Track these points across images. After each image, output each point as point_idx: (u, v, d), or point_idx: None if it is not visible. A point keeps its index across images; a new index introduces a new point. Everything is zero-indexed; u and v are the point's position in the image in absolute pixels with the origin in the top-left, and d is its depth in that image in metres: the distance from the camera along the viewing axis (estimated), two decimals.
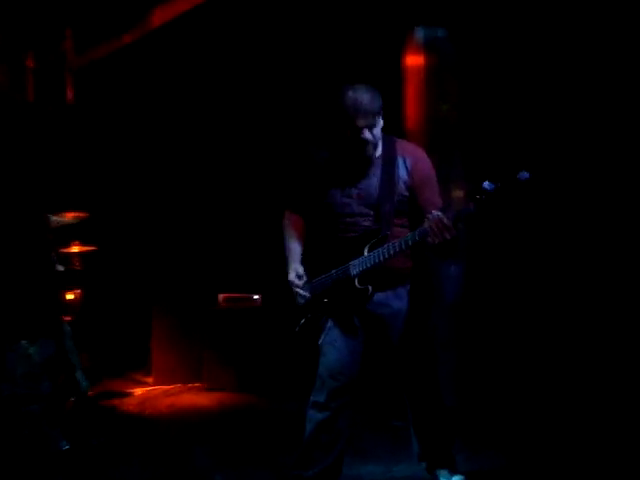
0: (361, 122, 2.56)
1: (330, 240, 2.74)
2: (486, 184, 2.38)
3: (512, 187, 2.39)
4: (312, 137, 2.94)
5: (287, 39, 4.49)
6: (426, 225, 2.48)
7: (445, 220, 2.43)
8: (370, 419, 3.74)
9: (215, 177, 5.04)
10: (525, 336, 3.74)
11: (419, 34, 3.94)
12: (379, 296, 2.68)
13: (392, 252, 2.58)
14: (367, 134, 2.60)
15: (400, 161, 2.68)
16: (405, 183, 2.68)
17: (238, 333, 4.83)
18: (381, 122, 2.64)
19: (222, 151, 5.01)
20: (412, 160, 2.69)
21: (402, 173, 2.68)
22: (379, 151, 2.67)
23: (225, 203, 5.03)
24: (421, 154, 2.75)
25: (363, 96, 2.58)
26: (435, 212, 2.45)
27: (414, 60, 3.99)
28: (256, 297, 4.94)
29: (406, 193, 2.70)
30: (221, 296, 4.98)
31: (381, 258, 2.59)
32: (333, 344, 2.70)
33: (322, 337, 2.69)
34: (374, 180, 2.67)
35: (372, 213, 2.66)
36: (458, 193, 3.84)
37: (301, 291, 2.72)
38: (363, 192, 2.67)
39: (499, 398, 3.74)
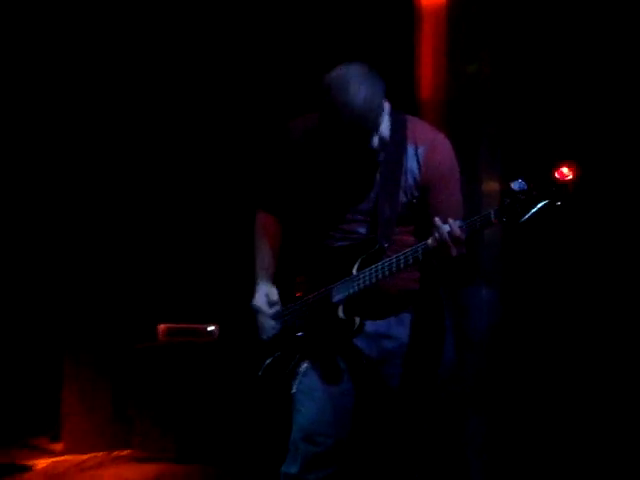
0: (359, 136, 2.23)
1: (311, 251, 2.48)
2: (515, 184, 2.13)
3: (549, 191, 2.11)
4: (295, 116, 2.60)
5: None
6: (430, 240, 2.21)
7: (455, 231, 2.16)
8: None
9: (153, 167, 4.42)
10: (582, 384, 3.33)
11: None
12: (375, 326, 2.42)
13: (387, 272, 2.30)
14: (374, 142, 2.25)
15: (410, 149, 2.36)
16: (415, 179, 2.36)
17: (182, 379, 4.20)
18: (387, 108, 2.26)
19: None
20: (427, 149, 2.36)
21: (412, 165, 2.36)
22: (385, 131, 2.29)
23: (167, 201, 4.40)
24: (440, 141, 2.41)
25: (358, 101, 2.18)
26: (438, 221, 2.18)
27: (430, 2, 3.46)
28: (211, 328, 4.24)
29: (416, 193, 2.38)
30: (161, 327, 4.25)
31: (372, 280, 2.32)
32: (310, 394, 2.46)
33: (295, 384, 2.47)
34: (374, 174, 2.37)
35: (368, 218, 2.40)
36: (487, 189, 3.41)
37: (268, 321, 2.45)
38: (358, 189, 2.39)
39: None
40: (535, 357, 3.51)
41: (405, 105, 2.48)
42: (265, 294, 2.47)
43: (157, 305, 4.43)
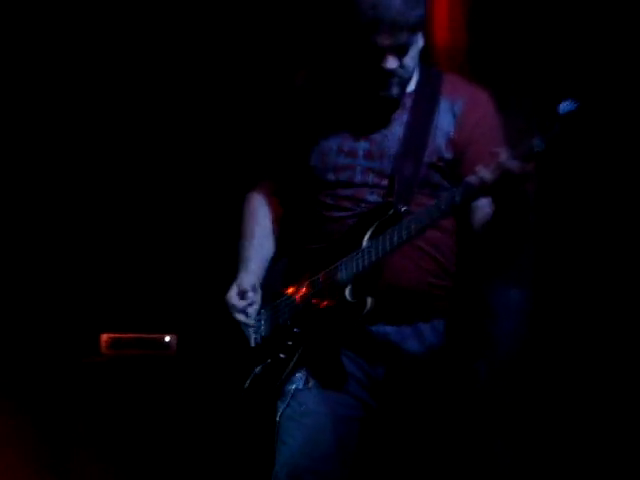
0: (384, 39, 2.05)
1: (313, 227, 2.27)
2: (564, 105, 1.85)
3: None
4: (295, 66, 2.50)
5: None
6: (472, 178, 1.94)
7: (505, 158, 1.88)
8: None
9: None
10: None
11: None
12: (386, 330, 2.20)
13: (408, 233, 2.04)
14: (392, 62, 2.08)
15: (445, 104, 2.19)
16: (448, 138, 2.17)
17: (131, 400, 3.71)
18: (421, 42, 2.13)
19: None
20: (466, 104, 2.19)
21: (445, 122, 2.18)
22: (411, 86, 2.20)
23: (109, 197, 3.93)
24: (482, 97, 2.23)
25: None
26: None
27: None
28: (168, 339, 3.76)
29: (447, 155, 2.17)
30: (105, 338, 3.75)
31: (388, 248, 2.07)
32: (300, 420, 2.21)
33: (282, 407, 2.22)
34: (396, 130, 2.18)
35: (385, 183, 2.18)
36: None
37: (250, 320, 2.24)
38: (375, 147, 2.19)
39: None
40: (567, 366, 3.14)
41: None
42: (243, 284, 2.25)
43: (99, 311, 3.95)
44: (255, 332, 2.34)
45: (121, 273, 3.96)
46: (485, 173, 1.96)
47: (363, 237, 2.16)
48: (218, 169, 3.70)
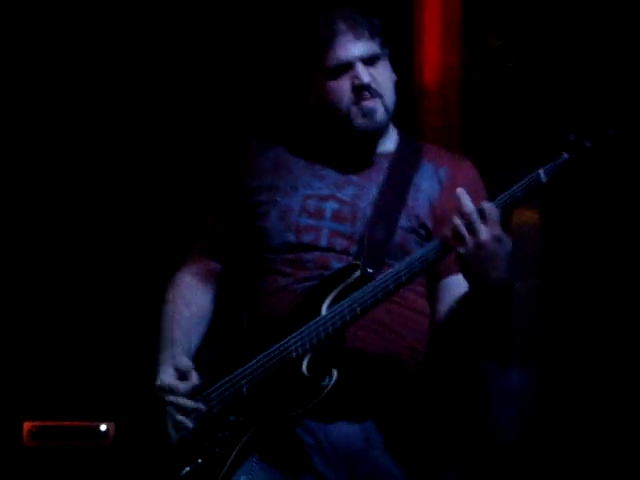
0: (349, 48, 1.89)
1: (261, 301, 1.97)
2: (572, 136, 1.70)
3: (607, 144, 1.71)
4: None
5: None
6: (446, 230, 1.75)
7: (485, 205, 1.69)
8: None
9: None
10: None
11: None
12: (346, 437, 1.89)
13: (374, 298, 1.79)
14: (364, 73, 1.88)
15: (428, 169, 1.98)
16: (431, 204, 1.95)
17: None
18: (392, 73, 1.94)
19: None
20: (451, 170, 2.00)
21: (429, 187, 1.96)
22: (389, 146, 1.99)
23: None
24: (468, 167, 2.05)
25: (348, 11, 1.95)
26: (460, 191, 1.77)
27: None
28: (104, 427, 3.38)
29: (429, 222, 1.94)
30: (28, 425, 3.36)
31: (351, 314, 1.79)
32: None
33: None
34: (370, 190, 1.95)
35: (354, 249, 1.93)
36: (520, 220, 2.90)
37: (182, 417, 1.91)
38: (346, 208, 1.95)
39: None
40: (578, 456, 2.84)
41: (399, 97, 2.02)
42: (175, 367, 2.00)
43: (22, 397, 3.57)
44: (186, 421, 2.04)
45: (48, 353, 3.62)
46: (458, 220, 1.76)
47: (322, 306, 1.91)
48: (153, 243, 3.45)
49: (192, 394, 2.01)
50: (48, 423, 3.41)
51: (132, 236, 3.61)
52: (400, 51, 3.04)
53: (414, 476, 1.99)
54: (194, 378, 2.01)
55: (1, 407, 3.52)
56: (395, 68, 2.06)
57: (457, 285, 1.91)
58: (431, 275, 2.00)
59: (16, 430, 3.37)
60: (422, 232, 1.97)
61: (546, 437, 2.89)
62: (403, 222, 1.96)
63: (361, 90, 1.92)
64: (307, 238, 1.99)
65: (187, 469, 2.01)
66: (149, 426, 2.12)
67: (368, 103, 1.93)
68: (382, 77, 1.95)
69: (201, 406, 2.01)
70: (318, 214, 2.01)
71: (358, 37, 1.95)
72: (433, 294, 2.02)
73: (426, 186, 2.01)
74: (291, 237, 2.00)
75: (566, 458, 2.83)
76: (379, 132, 1.99)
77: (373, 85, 1.93)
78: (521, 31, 2.83)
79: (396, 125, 2.07)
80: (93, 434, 3.39)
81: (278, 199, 2.05)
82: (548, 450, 2.89)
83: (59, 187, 3.75)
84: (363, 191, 2.00)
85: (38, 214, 3.75)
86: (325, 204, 2.00)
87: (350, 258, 1.96)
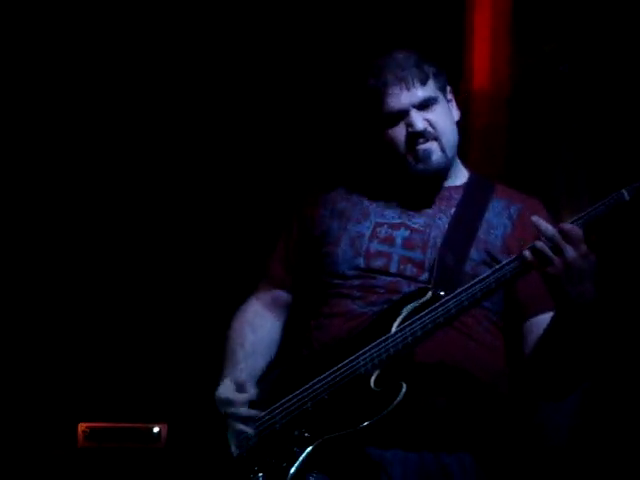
0: (401, 97, 1.98)
1: (328, 324, 2.06)
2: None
3: None
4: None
5: None
6: (526, 251, 1.79)
7: (565, 226, 1.76)
8: None
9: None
10: None
11: None
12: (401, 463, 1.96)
13: (446, 316, 1.86)
14: (418, 120, 1.97)
15: (499, 205, 2.07)
16: (505, 238, 2.03)
17: None
18: (454, 110, 2.06)
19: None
20: (523, 209, 2.08)
21: (501, 222, 2.06)
22: (459, 179, 2.10)
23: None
24: (539, 206, 2.13)
25: (396, 54, 2.04)
26: (537, 219, 1.82)
27: None
28: (156, 429, 3.54)
29: (501, 256, 1.99)
30: (82, 427, 3.53)
31: (420, 332, 1.87)
32: None
33: None
34: (441, 221, 2.05)
35: (425, 276, 1.99)
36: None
37: (242, 426, 2.02)
38: (416, 236, 2.04)
39: None
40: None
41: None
42: (233, 380, 2.09)
43: (77, 399, 3.75)
44: (244, 441, 2.14)
45: (102, 355, 3.79)
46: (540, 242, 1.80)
47: (392, 325, 1.98)
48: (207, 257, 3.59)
49: (249, 405, 2.09)
50: (102, 424, 3.57)
51: (200, 254, 3.73)
52: (451, 55, 3.02)
53: None
54: (250, 390, 2.09)
55: (56, 409, 3.65)
56: (445, 72, 2.14)
57: (541, 324, 1.95)
58: (513, 313, 2.05)
59: (71, 431, 3.54)
60: (494, 264, 2.02)
61: (594, 441, 2.88)
62: (474, 254, 2.02)
63: (415, 137, 2.00)
64: (377, 263, 2.04)
65: None
66: (206, 434, 2.24)
67: (423, 147, 2.01)
68: (439, 118, 2.02)
69: (259, 414, 2.09)
70: (389, 241, 2.07)
71: (408, 86, 2.02)
72: (519, 332, 2.05)
73: (497, 222, 2.07)
74: (361, 262, 2.06)
75: (614, 462, 2.82)
76: (438, 173, 2.06)
77: (429, 129, 2.00)
78: (573, 35, 2.85)
79: (465, 164, 2.17)
80: (146, 436, 3.55)
81: (349, 226, 2.13)
82: (596, 454, 2.86)
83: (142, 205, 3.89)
84: (434, 221, 2.07)
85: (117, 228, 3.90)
86: (396, 232, 2.07)
87: (420, 285, 2.03)
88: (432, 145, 2.02)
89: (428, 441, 2.01)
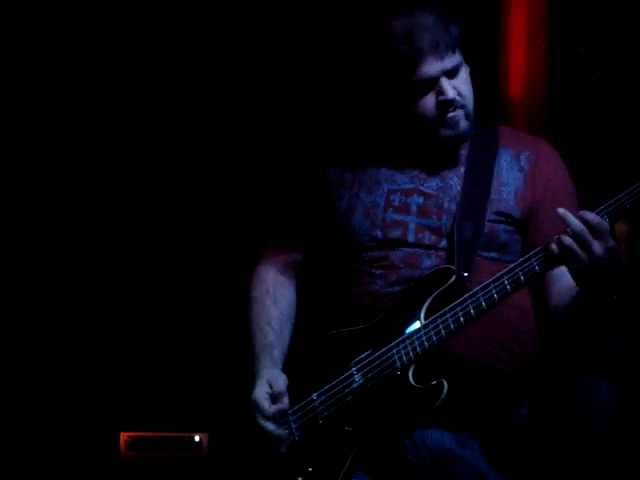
0: (432, 64, 2.00)
1: (350, 303, 2.10)
2: None
3: None
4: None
5: None
6: (552, 244, 1.83)
7: (592, 218, 1.78)
8: None
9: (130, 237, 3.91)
10: None
11: None
12: (439, 442, 2.02)
13: (483, 305, 1.90)
14: (449, 89, 2.01)
15: (507, 156, 2.09)
16: (517, 195, 2.06)
17: None
18: (466, 68, 2.06)
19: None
20: (533, 155, 2.10)
21: (511, 175, 2.07)
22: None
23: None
24: (549, 150, 2.15)
25: (426, 19, 2.02)
26: (564, 211, 1.84)
27: None
28: (197, 438, 3.59)
29: (516, 214, 2.05)
30: (124, 436, 3.59)
31: (452, 326, 1.92)
32: None
33: None
34: (453, 182, 2.08)
35: (444, 244, 2.04)
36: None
37: (279, 429, 2.06)
38: (430, 202, 2.07)
39: None
40: None
41: (486, 108, 2.16)
42: (267, 382, 2.09)
43: (119, 408, 3.82)
44: (287, 438, 2.17)
45: (144, 365, 3.84)
46: (565, 237, 1.83)
47: (419, 312, 2.02)
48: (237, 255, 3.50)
49: (278, 417, 2.11)
50: (143, 434, 3.60)
51: (216, 256, 3.74)
52: (487, 60, 3.05)
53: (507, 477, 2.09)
54: (284, 402, 2.10)
55: (98, 418, 3.69)
56: (482, 78, 2.16)
57: (564, 275, 1.96)
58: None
59: (113, 441, 3.57)
60: (509, 221, 2.06)
61: (635, 446, 2.90)
62: (490, 215, 2.05)
63: (446, 105, 2.03)
64: (395, 233, 2.07)
65: (299, 479, 2.14)
66: (248, 437, 2.22)
67: (452, 114, 2.04)
68: (464, 85, 2.06)
69: (281, 431, 2.12)
70: (404, 209, 2.10)
71: (440, 53, 2.04)
72: (540, 285, 2.09)
73: (508, 177, 2.10)
74: (378, 233, 2.08)
75: None
76: (463, 138, 2.09)
77: (457, 98, 2.03)
78: (609, 39, 2.86)
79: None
80: (187, 445, 3.57)
81: (363, 195, 2.14)
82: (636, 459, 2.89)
83: (138, 191, 3.89)
84: (446, 183, 2.10)
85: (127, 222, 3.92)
86: (410, 198, 2.09)
87: (439, 253, 2.05)
88: (459, 113, 2.06)
89: (453, 420, 2.04)
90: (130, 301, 3.90)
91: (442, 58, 2.02)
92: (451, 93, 2.01)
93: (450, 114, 2.04)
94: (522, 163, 2.10)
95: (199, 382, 3.69)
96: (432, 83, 2.02)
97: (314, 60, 3.60)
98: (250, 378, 2.17)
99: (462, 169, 2.08)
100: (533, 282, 2.01)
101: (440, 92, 2.02)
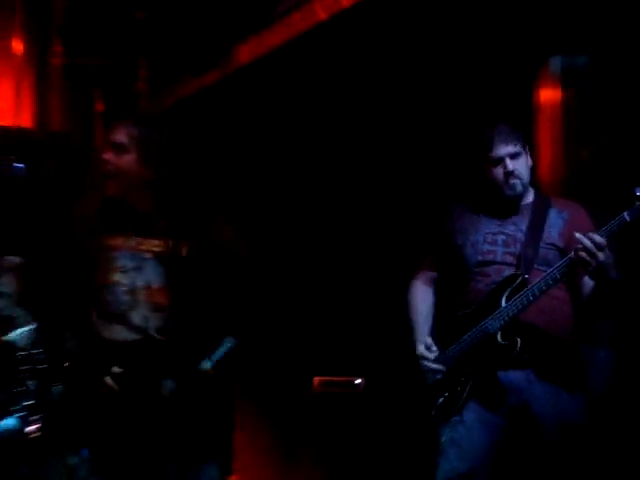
0: (501, 149, 2.65)
1: (466, 297, 2.70)
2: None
3: None
4: (450, 194, 3.03)
5: (397, 73, 4.18)
6: (573, 253, 2.45)
7: (595, 237, 2.40)
8: None
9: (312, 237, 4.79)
10: None
11: (555, 64, 3.74)
12: (512, 376, 2.57)
13: (536, 293, 2.53)
14: (509, 163, 2.64)
15: (554, 212, 2.70)
16: (559, 233, 2.67)
17: (336, 424, 4.54)
18: (529, 160, 2.71)
19: (321, 205, 4.76)
20: (571, 212, 2.70)
21: (556, 222, 2.69)
22: (529, 198, 2.73)
23: (321, 268, 4.75)
24: (582, 212, 2.73)
25: (500, 126, 2.70)
26: (578, 235, 2.44)
27: (549, 94, 3.74)
28: (358, 381, 4.59)
29: (559, 244, 2.65)
30: (316, 380, 4.66)
31: (521, 305, 2.55)
32: (460, 441, 2.59)
33: (446, 431, 2.60)
34: (522, 227, 2.68)
35: (515, 262, 2.65)
36: None
37: (434, 365, 2.68)
38: (509, 238, 2.69)
39: None
40: None
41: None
42: (425, 343, 2.73)
43: (313, 359, 4.72)
44: (435, 373, 2.71)
45: (328, 333, 4.67)
46: (580, 244, 2.43)
47: (500, 300, 2.60)
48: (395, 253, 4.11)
49: (435, 358, 2.70)
50: (327, 378, 4.63)
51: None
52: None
53: (557, 400, 2.59)
54: (433, 348, 2.70)
55: (298, 366, 4.69)
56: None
57: (587, 282, 2.61)
58: (571, 278, 2.64)
59: (308, 383, 4.62)
60: (555, 249, 2.64)
61: (624, 397, 3.28)
62: (543, 244, 2.64)
63: (508, 175, 2.67)
64: (489, 257, 2.69)
65: (440, 400, 2.69)
66: (405, 377, 2.73)
67: (512, 182, 2.69)
68: (521, 165, 2.69)
69: (442, 367, 2.67)
70: (494, 242, 2.70)
71: (507, 143, 2.68)
72: (576, 287, 2.66)
73: (554, 223, 2.68)
74: (479, 257, 2.71)
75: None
76: (520, 197, 2.70)
77: (515, 172, 2.67)
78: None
79: (532, 186, 2.77)
80: (351, 385, 4.59)
81: (471, 237, 2.74)
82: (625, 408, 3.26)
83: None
84: (518, 227, 2.70)
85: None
86: (497, 236, 2.72)
87: (513, 267, 2.63)
88: (517, 181, 2.69)
89: (527, 363, 2.59)
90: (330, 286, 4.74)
91: (506, 146, 2.68)
92: (510, 167, 2.66)
93: (510, 181, 2.69)
94: (563, 215, 2.71)
95: (362, 340, 4.51)
96: (500, 160, 2.68)
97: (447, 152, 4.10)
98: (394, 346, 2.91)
99: (527, 218, 2.68)
100: (565, 278, 2.54)
101: (505, 167, 2.68)
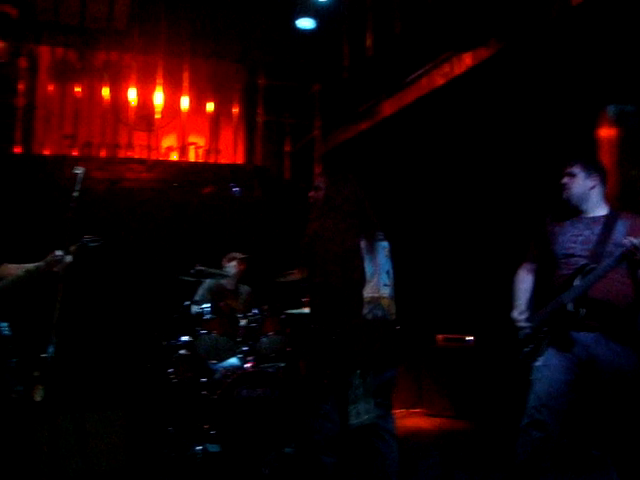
0: (565, 169, 2.76)
1: (552, 280, 2.77)
2: None
3: None
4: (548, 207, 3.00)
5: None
6: (624, 249, 2.55)
7: (635, 241, 2.49)
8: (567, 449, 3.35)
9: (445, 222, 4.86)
10: None
11: (611, 110, 3.97)
12: (592, 337, 2.62)
13: (598, 275, 2.59)
14: (565, 178, 2.74)
15: (620, 222, 2.74)
16: (623, 236, 2.69)
17: (453, 368, 4.72)
18: (587, 182, 2.75)
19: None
20: (631, 222, 2.73)
21: (621, 229, 2.73)
22: (602, 212, 2.77)
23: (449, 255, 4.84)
24: (637, 219, 2.74)
25: (577, 161, 2.79)
26: (625, 239, 2.52)
27: (607, 132, 3.97)
28: (469, 339, 4.79)
29: (622, 243, 2.66)
30: (439, 336, 4.92)
31: (588, 283, 2.62)
32: (542, 378, 2.65)
33: (538, 360, 2.68)
34: (596, 231, 2.75)
35: (588, 255, 2.71)
36: None
37: (524, 324, 2.76)
38: (586, 239, 2.74)
39: None
40: None
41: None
42: (519, 309, 2.84)
43: (437, 320, 4.86)
44: (524, 330, 2.76)
45: (450, 301, 4.81)
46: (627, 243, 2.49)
47: (574, 281, 2.69)
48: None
49: (525, 320, 2.76)
50: (447, 335, 4.93)
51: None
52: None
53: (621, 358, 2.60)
54: (525, 313, 2.76)
55: (426, 326, 4.87)
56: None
57: None
58: (631, 269, 2.65)
59: (433, 338, 4.90)
60: (620, 247, 2.63)
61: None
62: (611, 244, 2.68)
63: (562, 187, 2.78)
64: (571, 251, 2.73)
65: (526, 349, 2.74)
66: (493, 341, 3.07)
67: (564, 193, 2.78)
68: (573, 182, 2.76)
69: (529, 325, 2.72)
70: (575, 242, 2.74)
71: (570, 166, 2.77)
72: (635, 275, 2.66)
73: (620, 230, 2.72)
74: (565, 252, 2.75)
75: None
76: (575, 206, 2.76)
77: (565, 185, 2.75)
78: None
79: (607, 203, 2.77)
80: (464, 341, 4.83)
81: (559, 238, 2.77)
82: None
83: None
84: (592, 232, 2.75)
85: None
86: (578, 237, 2.76)
87: (586, 259, 2.67)
88: (568, 194, 2.77)
89: (591, 327, 2.63)
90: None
91: (568, 168, 2.79)
92: (564, 180, 2.76)
93: (564, 192, 2.79)
94: (626, 224, 2.71)
95: (475, 308, 4.65)
96: (561, 177, 2.79)
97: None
98: (498, 313, 2.87)
99: (600, 226, 2.72)
100: (620, 266, 2.57)
101: (562, 179, 2.79)
